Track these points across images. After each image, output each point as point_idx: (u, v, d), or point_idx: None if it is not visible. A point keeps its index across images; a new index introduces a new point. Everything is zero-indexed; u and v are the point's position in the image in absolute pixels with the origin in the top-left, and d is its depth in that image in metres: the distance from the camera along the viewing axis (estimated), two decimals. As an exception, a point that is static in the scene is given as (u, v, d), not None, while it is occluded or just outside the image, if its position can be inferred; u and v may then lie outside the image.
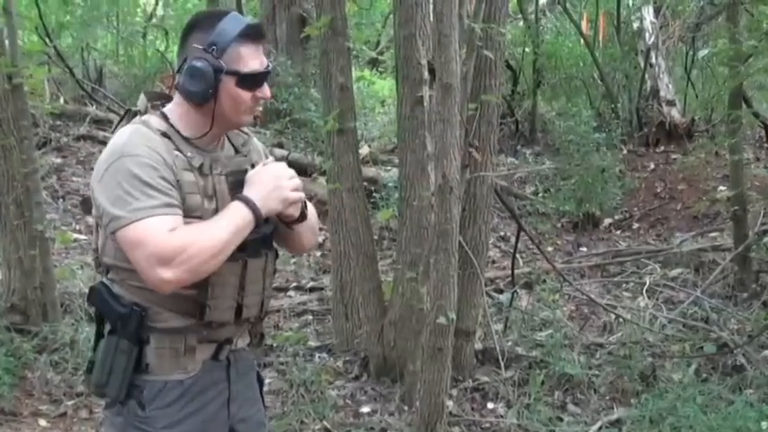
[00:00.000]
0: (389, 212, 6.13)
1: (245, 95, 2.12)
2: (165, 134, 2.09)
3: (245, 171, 2.20)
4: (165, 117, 2.14)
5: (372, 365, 4.91)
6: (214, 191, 2.13)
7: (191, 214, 2.06)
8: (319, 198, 6.88)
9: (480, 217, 4.75)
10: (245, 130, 2.34)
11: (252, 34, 2.12)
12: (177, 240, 1.97)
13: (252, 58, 2.11)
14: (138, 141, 2.04)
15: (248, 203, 2.08)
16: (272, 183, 2.12)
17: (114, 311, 2.11)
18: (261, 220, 2.10)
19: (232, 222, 2.04)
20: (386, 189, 7.75)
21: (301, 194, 2.20)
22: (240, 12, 10.09)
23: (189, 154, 2.10)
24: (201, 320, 2.11)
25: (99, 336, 2.19)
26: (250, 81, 2.11)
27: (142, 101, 2.19)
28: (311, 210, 2.35)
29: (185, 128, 2.14)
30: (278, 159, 2.30)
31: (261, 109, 2.25)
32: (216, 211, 2.11)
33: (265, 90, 2.16)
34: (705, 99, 10.72)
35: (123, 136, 2.07)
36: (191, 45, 2.11)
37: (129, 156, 2.01)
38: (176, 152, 2.08)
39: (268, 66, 2.16)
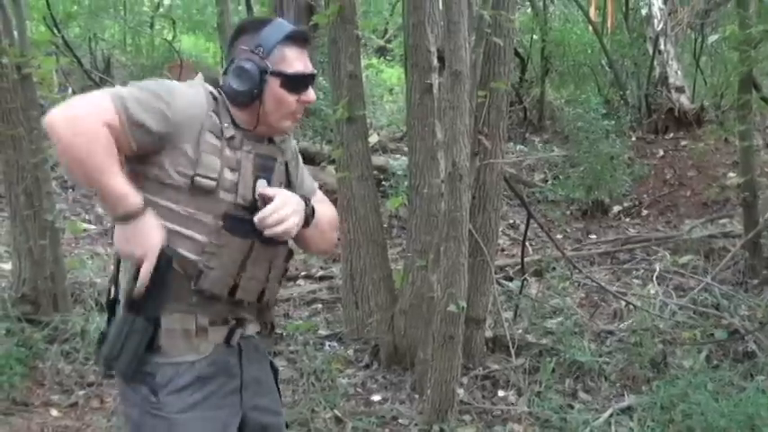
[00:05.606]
0: (399, 200, 6.12)
1: (290, 98, 2.17)
2: (214, 96, 2.15)
3: (275, 159, 2.25)
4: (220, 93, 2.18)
5: (383, 354, 4.91)
6: (239, 165, 2.15)
7: (207, 174, 2.07)
8: (328, 187, 6.88)
9: (490, 204, 4.74)
10: None
11: (297, 38, 2.18)
12: (92, 122, 1.98)
13: (297, 61, 2.17)
14: (180, 84, 2.13)
15: None
16: None
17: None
18: None
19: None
20: (395, 177, 7.75)
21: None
22: (249, 3, 10.13)
23: (225, 124, 2.13)
24: (196, 286, 2.12)
25: (112, 308, 2.20)
26: (294, 83, 2.17)
27: (199, 77, 2.24)
28: (324, 214, 2.38)
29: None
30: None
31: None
32: (236, 184, 2.13)
33: (310, 94, 2.21)
34: (714, 85, 10.69)
35: None
36: (238, 47, 2.17)
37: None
38: (212, 113, 2.11)
39: (313, 70, 2.21)
